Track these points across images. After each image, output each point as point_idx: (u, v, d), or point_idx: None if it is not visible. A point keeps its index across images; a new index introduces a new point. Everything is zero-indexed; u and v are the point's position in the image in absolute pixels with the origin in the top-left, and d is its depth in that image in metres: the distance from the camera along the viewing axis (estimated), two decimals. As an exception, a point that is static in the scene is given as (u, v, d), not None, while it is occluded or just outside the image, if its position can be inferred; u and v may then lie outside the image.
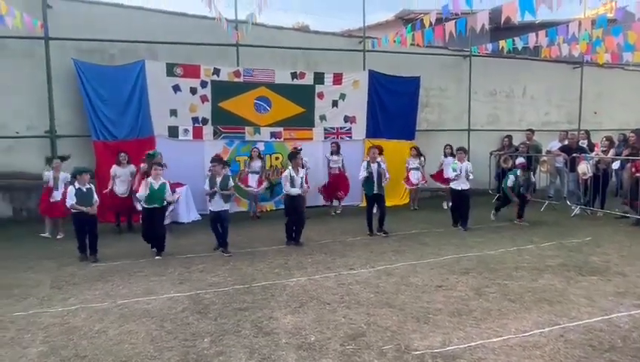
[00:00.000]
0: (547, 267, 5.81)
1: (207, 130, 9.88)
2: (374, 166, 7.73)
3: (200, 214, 9.33)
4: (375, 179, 7.70)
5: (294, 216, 7.27)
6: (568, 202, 9.94)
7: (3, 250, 7.17)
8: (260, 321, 4.23)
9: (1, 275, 5.84)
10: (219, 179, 6.83)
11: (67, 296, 5.04)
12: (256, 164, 9.57)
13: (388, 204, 10.25)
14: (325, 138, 10.67)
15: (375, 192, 7.77)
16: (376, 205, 7.90)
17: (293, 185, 7.17)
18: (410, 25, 10.14)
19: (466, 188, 8.22)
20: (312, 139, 10.58)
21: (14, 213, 9.19)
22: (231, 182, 7.06)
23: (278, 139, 10.36)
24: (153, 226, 6.64)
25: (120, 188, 8.32)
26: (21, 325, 4.27)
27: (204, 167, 9.50)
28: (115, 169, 8.35)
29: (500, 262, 6.09)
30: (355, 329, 4.03)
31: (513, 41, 10.77)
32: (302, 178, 7.28)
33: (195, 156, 9.57)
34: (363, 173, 7.74)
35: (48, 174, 7.87)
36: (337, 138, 10.73)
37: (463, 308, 4.46)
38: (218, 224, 6.85)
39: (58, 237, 7.91)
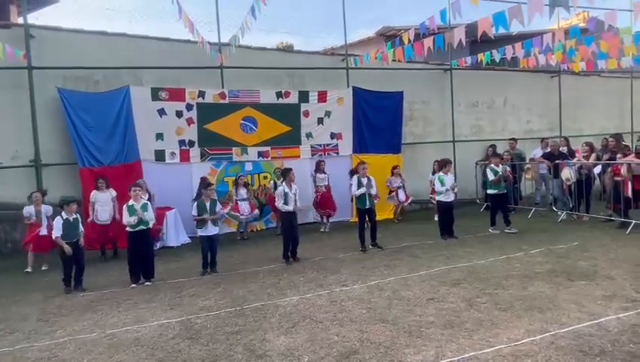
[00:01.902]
0: (536, 274, 5.87)
1: (194, 152, 9.90)
2: (365, 180, 7.80)
3: (189, 237, 9.28)
4: (367, 194, 7.77)
5: (291, 233, 7.29)
6: (554, 208, 10.10)
7: (-12, 283, 7.02)
8: (253, 344, 4.19)
9: (-15, 310, 5.71)
10: (208, 204, 6.85)
11: (55, 328, 4.93)
12: (243, 191, 9.54)
13: (378, 218, 10.32)
14: (312, 155, 10.77)
15: (367, 206, 7.83)
16: (367, 219, 7.93)
17: (286, 201, 7.23)
18: (390, 42, 10.38)
19: (453, 199, 8.49)
20: (299, 156, 10.66)
21: (-1, 245, 9.02)
22: (219, 205, 7.09)
23: (265, 159, 10.41)
24: (140, 250, 6.49)
25: (102, 216, 8.13)
26: (7, 361, 4.17)
27: (192, 189, 9.48)
28: (94, 194, 8.21)
29: (490, 271, 6.13)
30: (349, 346, 4.01)
31: (491, 53, 11.07)
32: (295, 194, 7.34)
33: (182, 179, 9.55)
34: (360, 190, 7.73)
35: (29, 209, 7.64)
36: (324, 155, 10.83)
37: (454, 320, 4.47)
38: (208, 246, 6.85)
39: (43, 268, 7.72)
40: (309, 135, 10.77)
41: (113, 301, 5.77)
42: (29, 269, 7.66)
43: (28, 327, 5.00)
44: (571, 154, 10.48)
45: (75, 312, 5.42)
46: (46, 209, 7.72)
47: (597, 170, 9.55)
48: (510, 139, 12.18)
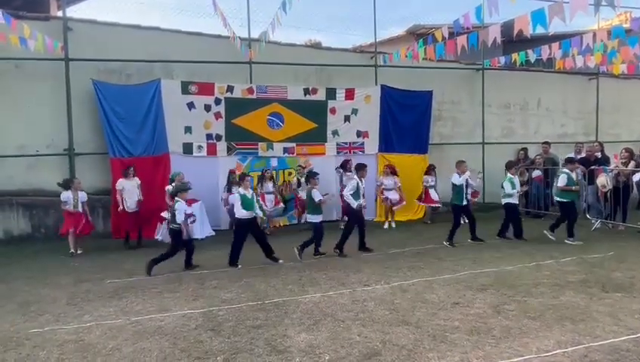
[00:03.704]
0: (568, 283, 5.63)
1: (221, 146, 10.00)
2: (463, 177, 8.02)
3: (214, 230, 9.38)
4: (465, 191, 8.01)
5: (360, 224, 7.66)
6: (588, 216, 9.69)
7: (21, 266, 7.29)
8: (274, 339, 4.17)
9: (18, 291, 5.93)
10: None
11: (82, 312, 5.06)
12: (269, 185, 9.57)
13: (402, 218, 10.19)
14: (338, 153, 10.71)
15: (464, 203, 8.10)
16: (464, 216, 8.32)
17: (358, 196, 7.47)
18: (421, 39, 10.18)
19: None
20: (324, 154, 10.62)
21: (33, 229, 9.35)
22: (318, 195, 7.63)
23: (290, 155, 10.42)
24: (251, 235, 6.98)
25: (130, 204, 8.40)
26: (37, 342, 4.29)
27: (218, 183, 9.63)
28: (121, 182, 8.46)
29: (519, 277, 5.93)
30: (371, 347, 3.94)
31: (526, 53, 10.70)
32: (364, 188, 7.72)
33: (209, 172, 9.66)
34: (461, 180, 7.97)
35: (67, 194, 7.93)
36: (350, 153, 10.75)
37: (481, 326, 4.33)
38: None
39: (78, 252, 8.02)
40: (335, 132, 10.70)
41: (138, 289, 5.88)
42: (74, 251, 7.98)
43: (57, 310, 5.15)
44: (605, 160, 10.04)
45: (102, 298, 5.55)
46: (82, 195, 8.07)
47: (636, 177, 9.11)
48: (543, 143, 11.76)
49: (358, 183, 7.46)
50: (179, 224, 6.61)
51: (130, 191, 8.44)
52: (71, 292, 5.81)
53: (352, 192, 7.40)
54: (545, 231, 8.27)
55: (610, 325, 4.30)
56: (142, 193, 8.57)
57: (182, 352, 3.97)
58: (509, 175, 8.33)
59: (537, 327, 4.29)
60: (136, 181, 8.56)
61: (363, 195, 7.58)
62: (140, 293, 5.69)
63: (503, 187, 8.36)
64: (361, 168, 7.67)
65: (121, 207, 8.37)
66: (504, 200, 8.40)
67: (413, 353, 3.81)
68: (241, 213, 6.89)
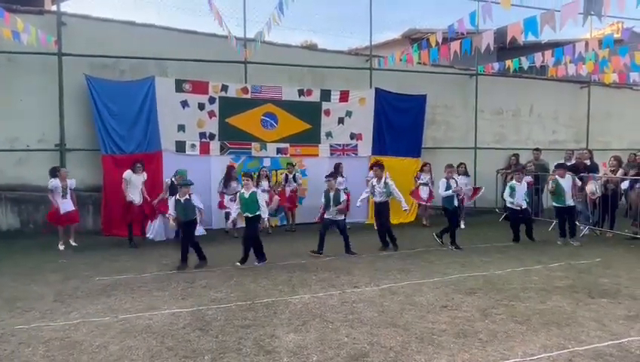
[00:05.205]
0: (555, 288, 5.70)
1: (214, 145, 9.97)
2: (453, 182, 8.15)
3: (205, 229, 9.33)
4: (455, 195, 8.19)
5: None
6: (577, 222, 9.79)
7: (9, 261, 7.21)
8: (262, 339, 4.17)
9: (5, 287, 5.86)
10: (332, 194, 7.44)
11: (69, 309, 5.02)
12: (265, 184, 9.55)
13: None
14: (331, 154, 10.73)
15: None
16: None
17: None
18: (416, 44, 10.26)
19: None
20: (317, 155, 10.63)
21: (22, 225, 9.25)
22: (343, 195, 7.64)
23: (284, 155, 10.42)
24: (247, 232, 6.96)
25: (135, 197, 8.26)
26: (22, 338, 4.25)
27: (210, 181, 9.60)
28: (129, 174, 8.27)
29: (507, 282, 5.98)
30: (358, 349, 3.96)
31: (519, 60, 10.82)
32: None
33: (201, 171, 9.62)
34: (448, 192, 8.08)
35: (55, 182, 7.88)
36: (343, 155, 10.77)
37: (468, 329, 4.37)
38: (331, 231, 7.55)
39: (73, 244, 8.01)
40: (328, 134, 10.73)
41: (127, 287, 5.84)
42: (61, 246, 7.92)
43: (44, 307, 5.10)
44: (594, 167, 10.17)
45: (91, 295, 5.51)
46: (70, 182, 8.07)
47: (624, 185, 9.24)
48: (534, 149, 11.88)
49: (448, 182, 7.96)
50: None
51: (134, 186, 8.29)
52: (59, 289, 5.75)
53: (449, 191, 7.88)
54: (558, 242, 8.48)
55: (595, 330, 4.36)
56: (145, 189, 8.46)
57: (169, 351, 3.95)
58: (557, 177, 8.55)
59: (523, 331, 4.34)
60: (143, 176, 8.46)
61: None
62: (128, 291, 5.65)
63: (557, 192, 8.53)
64: (449, 167, 8.30)
65: (129, 198, 8.18)
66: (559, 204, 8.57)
67: (401, 355, 3.84)
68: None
